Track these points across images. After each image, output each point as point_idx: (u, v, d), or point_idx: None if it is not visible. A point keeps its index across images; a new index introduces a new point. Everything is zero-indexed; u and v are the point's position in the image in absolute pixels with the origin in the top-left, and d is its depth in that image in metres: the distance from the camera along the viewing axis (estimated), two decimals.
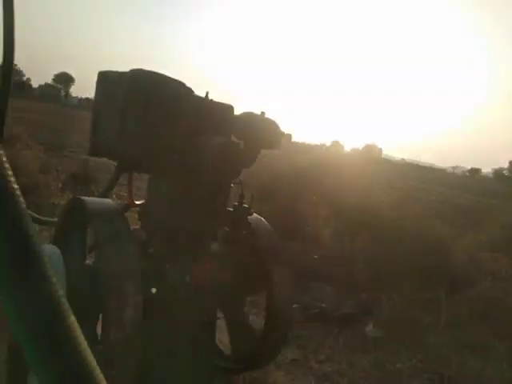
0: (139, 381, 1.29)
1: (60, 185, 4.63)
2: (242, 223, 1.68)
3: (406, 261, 4.30)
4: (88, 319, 1.29)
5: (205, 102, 1.44)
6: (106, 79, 1.32)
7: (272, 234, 1.72)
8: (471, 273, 4.13)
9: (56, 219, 1.60)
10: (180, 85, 1.28)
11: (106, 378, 0.27)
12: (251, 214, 1.71)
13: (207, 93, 1.48)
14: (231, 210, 1.68)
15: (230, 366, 1.83)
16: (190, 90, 1.33)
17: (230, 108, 1.56)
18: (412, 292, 3.50)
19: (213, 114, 1.46)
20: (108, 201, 1.41)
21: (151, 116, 1.22)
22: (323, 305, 3.25)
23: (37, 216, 1.68)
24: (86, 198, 1.37)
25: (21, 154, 4.48)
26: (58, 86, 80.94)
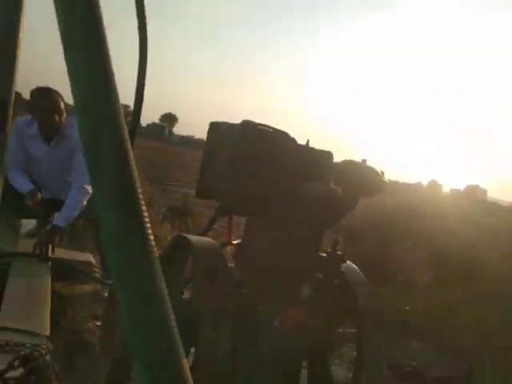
0: None
1: (160, 216, 5.03)
2: (335, 271, 1.65)
3: None
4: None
5: (306, 150, 1.49)
6: (217, 129, 1.44)
7: (366, 285, 1.66)
8: None
9: (160, 252, 1.73)
10: (284, 135, 1.35)
11: None
12: (345, 262, 1.68)
13: (308, 141, 1.54)
14: (324, 255, 1.67)
15: None
16: (293, 140, 1.40)
17: (329, 154, 1.59)
18: None
19: (313, 161, 1.50)
20: (209, 239, 1.50)
21: (258, 165, 1.30)
22: (414, 363, 2.99)
23: None
24: (190, 235, 1.47)
25: None
26: (164, 124, 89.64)
